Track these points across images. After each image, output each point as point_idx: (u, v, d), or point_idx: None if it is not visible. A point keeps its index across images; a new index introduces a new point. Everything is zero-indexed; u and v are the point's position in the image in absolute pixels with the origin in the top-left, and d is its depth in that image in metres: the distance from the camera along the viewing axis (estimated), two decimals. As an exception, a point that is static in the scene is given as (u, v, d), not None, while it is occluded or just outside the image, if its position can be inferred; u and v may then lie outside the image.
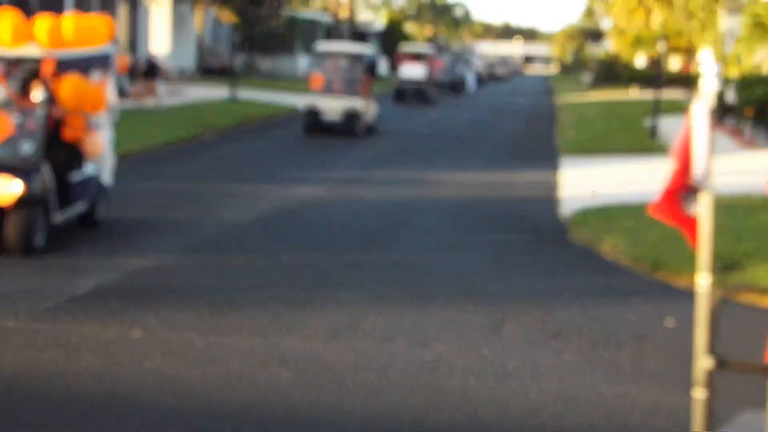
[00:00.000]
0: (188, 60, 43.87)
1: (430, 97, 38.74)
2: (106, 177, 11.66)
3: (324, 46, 25.74)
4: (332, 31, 63.24)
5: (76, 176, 10.77)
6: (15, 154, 10.11)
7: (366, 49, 26.36)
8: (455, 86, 47.82)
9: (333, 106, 23.39)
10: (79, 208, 10.84)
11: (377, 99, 36.15)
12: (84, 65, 10.95)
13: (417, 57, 40.93)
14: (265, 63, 50.81)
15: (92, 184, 11.16)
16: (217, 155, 19.44)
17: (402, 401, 6.51)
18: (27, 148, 10.15)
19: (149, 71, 29.05)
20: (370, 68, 25.23)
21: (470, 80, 53.31)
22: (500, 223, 13.26)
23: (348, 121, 23.39)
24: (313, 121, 23.56)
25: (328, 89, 23.76)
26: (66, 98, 10.47)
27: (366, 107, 23.96)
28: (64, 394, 6.34)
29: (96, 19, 11.78)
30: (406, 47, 46.48)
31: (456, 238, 12.24)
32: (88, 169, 11.12)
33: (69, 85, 10.46)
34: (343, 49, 25.85)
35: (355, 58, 24.58)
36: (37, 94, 10.26)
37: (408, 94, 38.34)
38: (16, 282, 8.82)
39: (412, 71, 38.55)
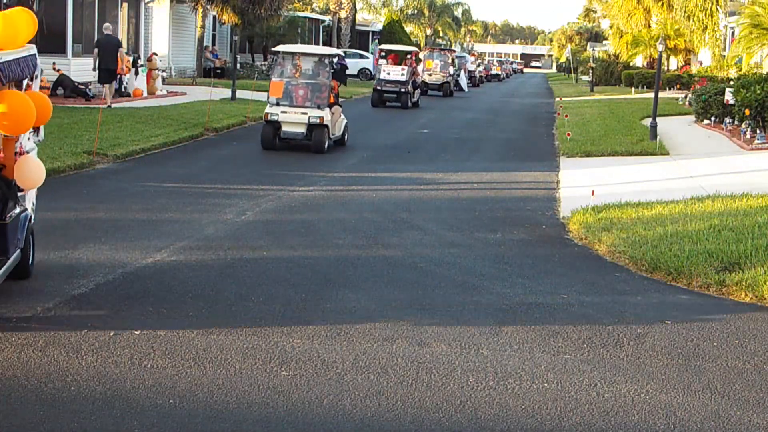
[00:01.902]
0: (188, 60, 43.87)
1: (412, 101, 35.46)
2: (32, 208, 9.56)
3: (285, 47, 22.02)
4: (332, 31, 63.28)
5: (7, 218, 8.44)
6: None
7: (334, 50, 22.40)
8: (444, 88, 44.74)
9: (294, 118, 20.03)
10: (13, 259, 8.49)
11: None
12: (15, 73, 8.16)
13: (398, 56, 37.92)
14: (265, 63, 50.82)
15: (26, 223, 8.91)
16: (217, 155, 19.43)
17: (402, 401, 6.51)
18: None
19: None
20: (340, 73, 22.73)
21: (461, 82, 51.40)
22: (500, 223, 13.26)
23: (312, 135, 19.98)
24: (270, 134, 20.13)
25: (289, 98, 20.33)
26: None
27: (333, 118, 20.59)
28: (64, 394, 6.35)
29: (17, 13, 8.54)
30: (384, 46, 43.05)
31: (456, 237, 12.24)
32: (21, 203, 8.99)
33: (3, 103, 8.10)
34: (307, 50, 22.20)
35: (322, 61, 20.92)
36: None
37: (387, 99, 34.94)
38: (15, 281, 8.81)
39: (392, 73, 35.02)
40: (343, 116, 21.68)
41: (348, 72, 45.65)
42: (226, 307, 8.52)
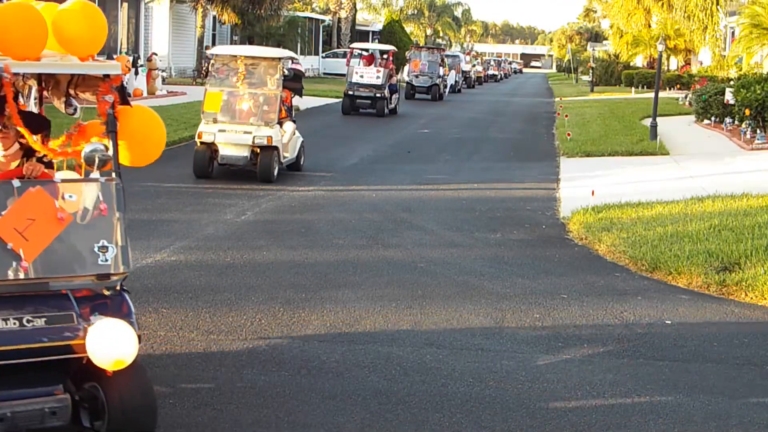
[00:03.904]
0: (188, 60, 43.89)
1: (389, 107, 30.99)
2: None
3: (222, 48, 18.45)
4: (332, 31, 63.32)
5: None
6: None
7: (285, 52, 17.66)
8: (433, 91, 40.47)
9: (235, 138, 15.67)
10: None
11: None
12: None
13: (373, 57, 32.73)
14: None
15: None
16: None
17: (402, 401, 6.51)
18: None
19: None
20: (294, 80, 17.39)
21: (451, 83, 46.91)
22: (500, 223, 13.26)
23: (258, 159, 15.78)
24: (205, 159, 15.83)
25: (229, 113, 15.97)
26: None
27: (285, 137, 16.37)
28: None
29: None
30: (356, 44, 38.46)
31: (456, 237, 12.24)
32: None
33: None
34: (251, 52, 17.23)
35: (271, 66, 16.32)
36: None
37: (360, 105, 30.45)
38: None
39: (365, 75, 30.27)
40: (298, 134, 17.27)
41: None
42: (225, 307, 8.52)
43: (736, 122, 24.52)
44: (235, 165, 16.07)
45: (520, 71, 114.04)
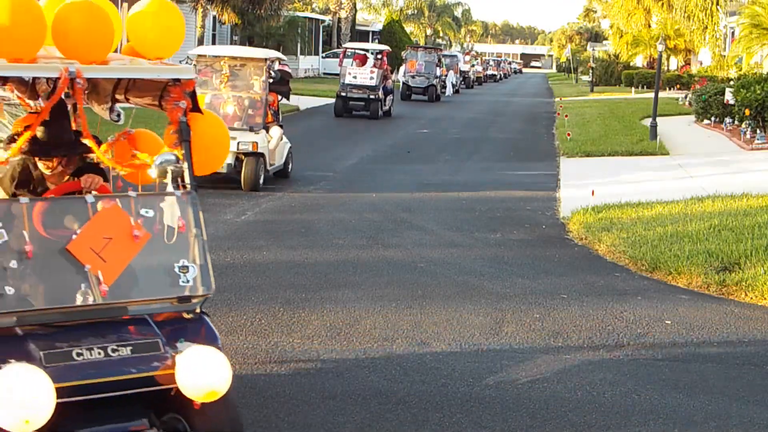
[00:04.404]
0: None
1: (383, 109, 30.00)
2: None
3: (204, 49, 17.60)
4: (332, 31, 63.33)
5: None
6: None
7: (272, 53, 16.75)
8: (430, 92, 39.63)
9: None
10: None
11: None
12: None
13: (366, 57, 31.52)
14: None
15: None
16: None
17: (402, 401, 6.51)
18: None
19: None
20: (280, 83, 16.54)
21: (450, 84, 46.07)
22: (500, 223, 13.26)
23: (242, 167, 14.84)
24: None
25: None
26: None
27: (272, 143, 15.57)
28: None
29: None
30: (349, 44, 37.61)
31: (456, 237, 12.24)
32: None
33: None
34: (235, 53, 16.35)
35: (256, 67, 15.57)
36: None
37: (353, 107, 29.40)
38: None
39: (359, 76, 29.13)
40: (285, 139, 16.53)
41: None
42: (225, 307, 8.51)
43: (736, 122, 24.53)
44: (218, 173, 14.28)
45: (520, 71, 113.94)
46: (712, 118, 26.63)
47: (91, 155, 5.55)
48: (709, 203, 13.77)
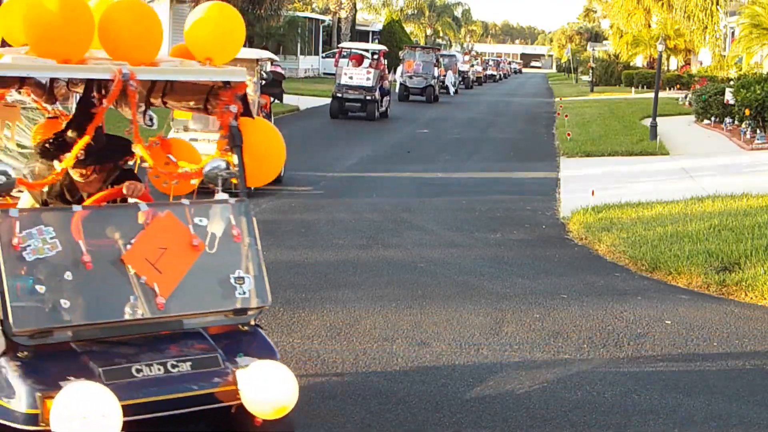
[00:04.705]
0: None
1: (380, 110, 29.28)
2: None
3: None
4: (332, 31, 63.32)
5: None
6: None
7: (264, 53, 16.10)
8: (428, 92, 38.77)
9: (207, 149, 10.53)
10: None
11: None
12: None
13: (362, 57, 31.12)
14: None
15: None
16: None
17: (402, 401, 6.51)
18: None
19: None
20: (272, 84, 15.94)
21: (448, 84, 45.65)
22: (500, 223, 13.26)
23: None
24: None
25: (201, 120, 14.01)
26: None
27: None
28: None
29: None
30: (345, 44, 36.81)
31: (456, 237, 12.24)
32: None
33: None
34: None
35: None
36: None
37: (349, 108, 28.65)
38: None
39: (355, 76, 28.38)
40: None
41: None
42: (226, 307, 8.51)
43: (736, 122, 24.53)
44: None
45: (520, 71, 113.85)
46: (712, 118, 26.63)
47: (130, 162, 5.30)
48: (709, 203, 13.77)
